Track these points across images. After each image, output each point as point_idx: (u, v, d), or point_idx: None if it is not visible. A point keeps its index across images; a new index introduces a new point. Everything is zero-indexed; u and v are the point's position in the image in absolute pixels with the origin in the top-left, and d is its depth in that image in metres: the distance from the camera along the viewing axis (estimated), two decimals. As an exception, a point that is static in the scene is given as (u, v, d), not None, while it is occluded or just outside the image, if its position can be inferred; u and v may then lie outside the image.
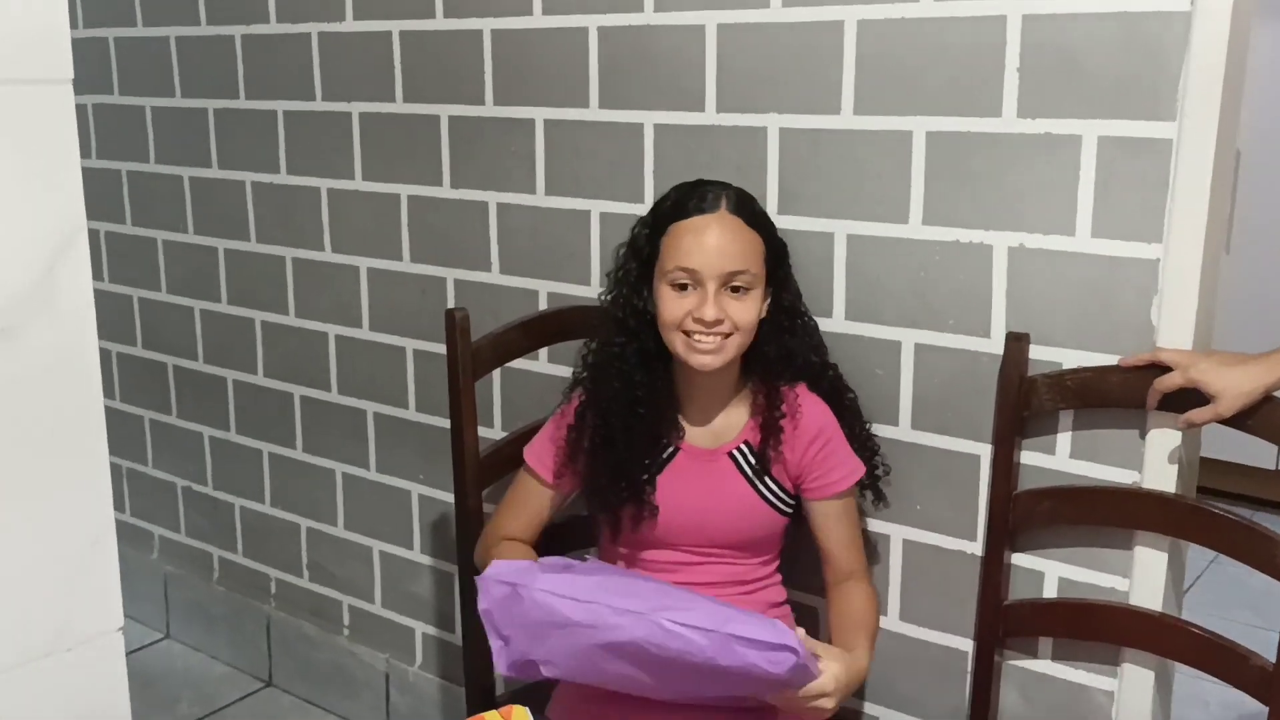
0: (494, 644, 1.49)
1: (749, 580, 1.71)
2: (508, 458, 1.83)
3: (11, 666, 1.36)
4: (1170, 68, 1.47)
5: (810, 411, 1.66)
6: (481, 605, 1.48)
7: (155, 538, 2.97)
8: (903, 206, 1.70)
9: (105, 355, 2.94)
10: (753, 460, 1.66)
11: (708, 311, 1.54)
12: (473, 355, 1.74)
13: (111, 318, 2.90)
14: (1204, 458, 1.74)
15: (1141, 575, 1.61)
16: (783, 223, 1.75)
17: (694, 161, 1.86)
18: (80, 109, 2.78)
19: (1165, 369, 1.49)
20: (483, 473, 1.79)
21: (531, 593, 1.42)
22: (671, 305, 1.57)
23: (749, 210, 1.60)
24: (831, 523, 1.67)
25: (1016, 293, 1.63)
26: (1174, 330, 1.53)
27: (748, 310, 1.58)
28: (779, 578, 1.76)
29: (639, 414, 1.63)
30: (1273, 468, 1.56)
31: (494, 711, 1.14)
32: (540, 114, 2.03)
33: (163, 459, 2.89)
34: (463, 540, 1.80)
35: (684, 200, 1.59)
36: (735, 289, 1.56)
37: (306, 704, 2.68)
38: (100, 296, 2.95)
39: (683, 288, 1.56)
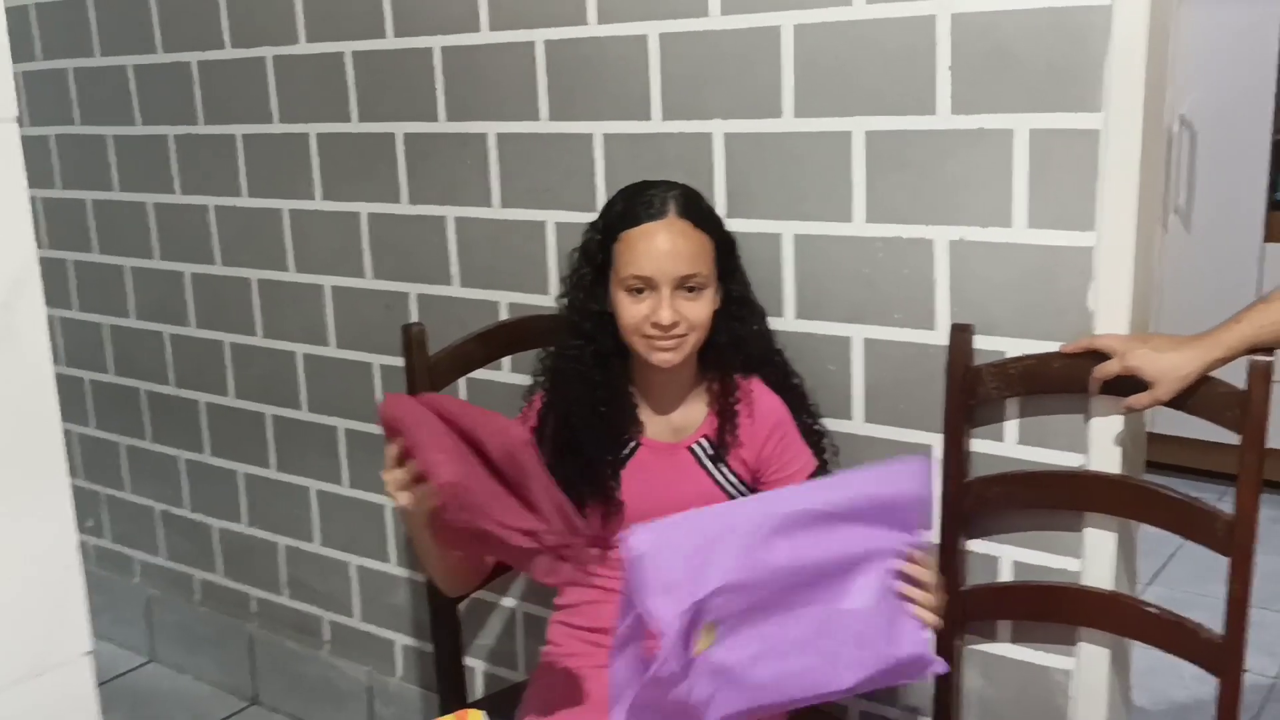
0: (657, 603, 1.28)
1: None
2: (472, 468, 1.86)
3: (-16, 694, 1.38)
4: (1094, 59, 1.51)
5: (766, 405, 1.70)
6: (636, 551, 1.30)
7: (136, 562, 2.99)
8: (846, 205, 1.73)
9: (78, 383, 2.96)
10: (711, 453, 1.69)
11: (664, 315, 1.58)
12: (431, 368, 1.77)
13: (82, 345, 2.92)
14: (1158, 434, 1.78)
15: (1092, 555, 1.65)
16: (732, 225, 1.78)
17: (643, 169, 1.88)
18: (43, 140, 2.82)
19: (1104, 355, 1.53)
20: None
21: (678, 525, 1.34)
22: (629, 311, 1.60)
23: (696, 211, 1.63)
24: None
25: (959, 285, 1.67)
26: (1111, 315, 1.57)
27: (702, 309, 1.62)
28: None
29: (600, 412, 1.66)
30: (1221, 441, 1.60)
31: (450, 715, 1.17)
32: (493, 128, 2.06)
33: (140, 483, 2.91)
34: (430, 551, 1.82)
35: (633, 206, 1.62)
36: (689, 289, 1.60)
37: (292, 720, 2.70)
38: (70, 325, 2.98)
39: (638, 292, 1.60)
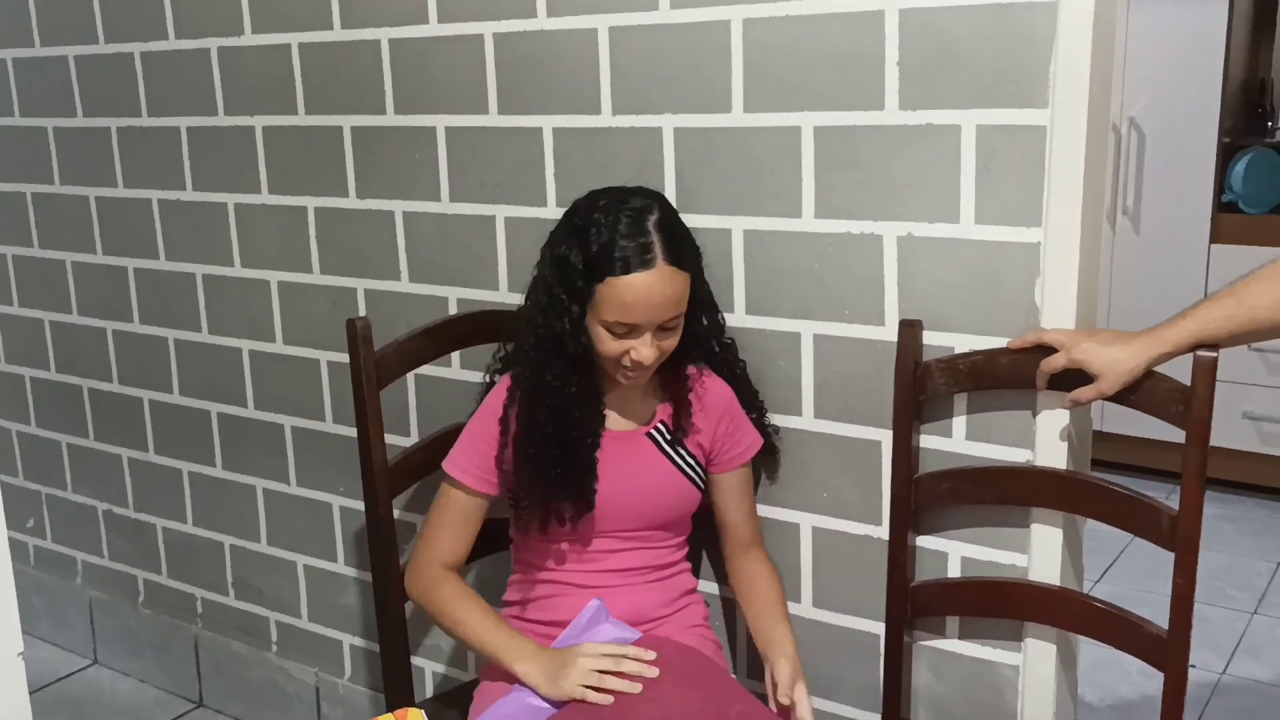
0: None
1: (666, 565, 1.75)
2: (419, 465, 1.84)
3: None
4: (1040, 56, 1.51)
5: (716, 390, 1.73)
6: None
7: (78, 563, 2.93)
8: (796, 200, 1.73)
9: (19, 380, 2.90)
10: (669, 436, 1.71)
11: (646, 356, 1.59)
12: (377, 364, 1.74)
13: (23, 342, 2.86)
14: (1104, 432, 1.79)
15: (1039, 551, 1.65)
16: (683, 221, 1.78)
17: (593, 164, 1.87)
18: (-18, 131, 2.75)
19: (1051, 349, 1.54)
20: (394, 481, 1.80)
21: None
22: (608, 345, 1.60)
23: (679, 250, 1.60)
24: (735, 494, 1.75)
25: (907, 280, 1.67)
26: (1057, 310, 1.57)
27: (676, 338, 1.64)
28: (689, 565, 1.79)
29: (575, 414, 1.65)
30: (1166, 439, 1.61)
31: (389, 715, 1.14)
32: (441, 121, 2.04)
33: (82, 483, 2.86)
34: (376, 549, 1.80)
35: (621, 249, 1.55)
36: (667, 327, 1.61)
37: (238, 723, 2.66)
38: (11, 321, 2.92)
39: (619, 333, 1.59)
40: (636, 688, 1.54)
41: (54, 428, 2.87)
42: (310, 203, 2.25)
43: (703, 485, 1.74)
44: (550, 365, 1.62)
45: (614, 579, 1.70)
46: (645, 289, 1.55)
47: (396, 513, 2.19)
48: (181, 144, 2.40)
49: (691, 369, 1.71)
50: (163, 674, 2.79)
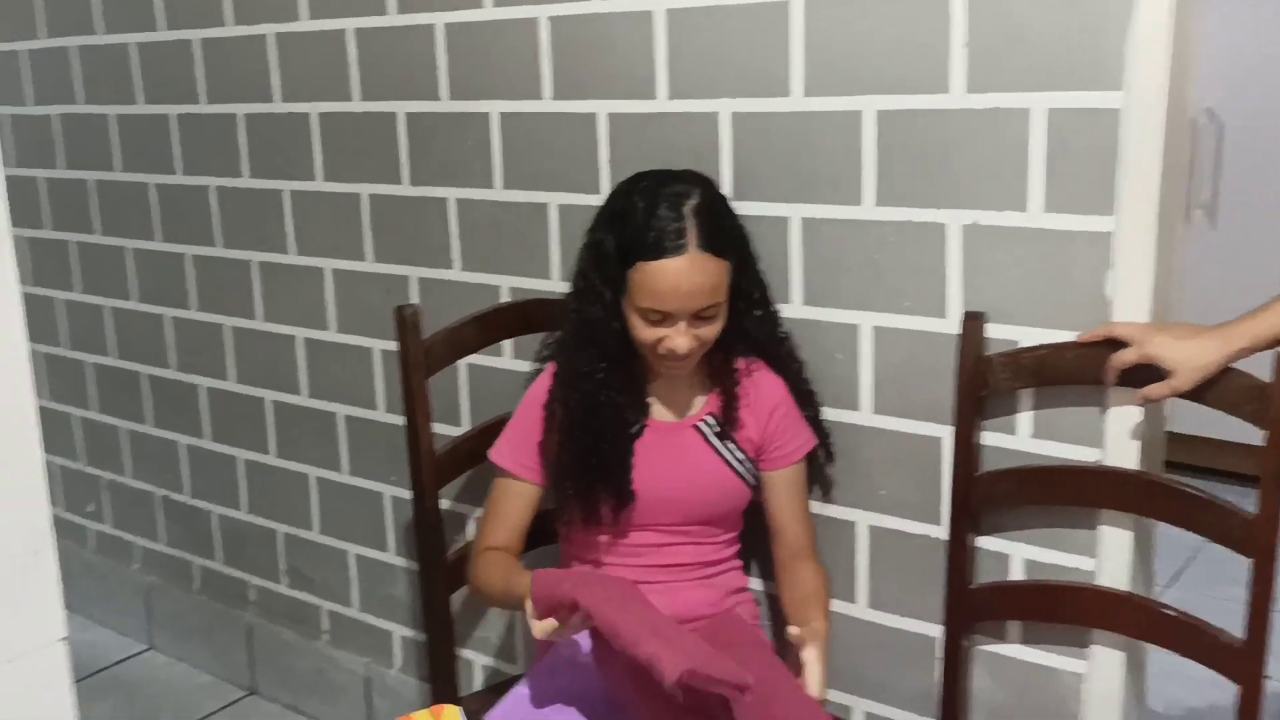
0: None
1: (714, 562, 1.71)
2: (467, 454, 1.81)
3: (-51, 680, 1.34)
4: (1114, 36, 1.44)
5: (768, 384, 1.68)
6: None
7: (136, 548, 2.96)
8: (855, 188, 1.67)
9: (79, 366, 2.93)
10: (717, 429, 1.67)
11: (680, 345, 1.55)
12: (426, 352, 1.72)
13: (84, 328, 2.88)
14: (1177, 433, 1.71)
15: (1106, 555, 1.58)
16: (739, 208, 1.73)
17: (648, 150, 1.83)
18: (45, 119, 2.78)
19: (1121, 344, 1.47)
20: (442, 470, 1.77)
21: None
22: (644, 332, 1.57)
23: (717, 236, 1.55)
24: (786, 492, 1.69)
25: (971, 271, 1.60)
26: (1130, 303, 1.50)
27: (715, 328, 1.59)
28: (740, 564, 1.75)
29: (613, 403, 1.62)
30: (1243, 441, 1.54)
31: (425, 710, 1.12)
32: (495, 107, 2.01)
33: (141, 469, 2.88)
34: (422, 539, 1.77)
35: (653, 232, 1.52)
36: (705, 317, 1.57)
37: (289, 711, 2.66)
38: (73, 307, 2.95)
39: (654, 320, 1.56)
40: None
41: (113, 413, 2.90)
42: (364, 189, 2.23)
43: (754, 482, 1.69)
44: (585, 353, 1.59)
45: (659, 574, 1.66)
46: (675, 275, 1.51)
47: (446, 503, 2.18)
48: (238, 130, 2.40)
49: (741, 362, 1.66)
50: (216, 660, 2.80)
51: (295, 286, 2.40)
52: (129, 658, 2.94)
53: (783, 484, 1.69)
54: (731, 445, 1.67)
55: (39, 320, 2.99)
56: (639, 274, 1.52)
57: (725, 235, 1.57)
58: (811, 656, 1.47)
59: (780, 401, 1.68)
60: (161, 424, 2.78)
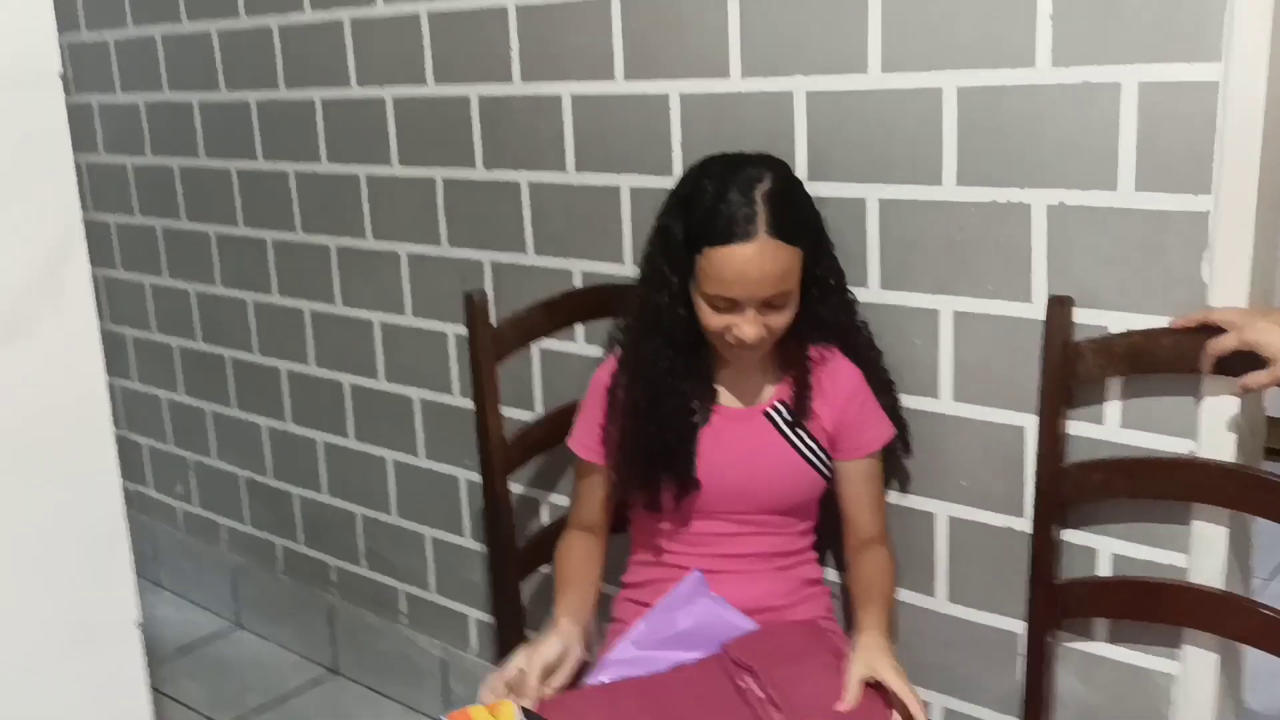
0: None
1: (787, 553, 1.67)
2: (536, 441, 1.80)
3: (28, 664, 1.37)
4: (1212, 2, 1.36)
5: (844, 371, 1.64)
6: None
7: (222, 529, 3.01)
8: (936, 167, 1.61)
9: (167, 349, 2.99)
10: (788, 417, 1.63)
11: (748, 333, 1.51)
12: (494, 338, 1.70)
13: (172, 312, 2.94)
14: (1278, 418, 1.63)
15: (1200, 551, 1.50)
16: (813, 190, 1.68)
17: (721, 131, 1.79)
18: (132, 107, 2.83)
19: (1219, 330, 1.39)
20: (511, 457, 1.76)
21: None
22: (711, 319, 1.53)
23: (788, 223, 1.50)
24: (860, 484, 1.65)
25: (1058, 253, 1.53)
26: (1228, 287, 1.42)
27: (786, 317, 1.55)
28: (815, 555, 1.70)
29: (676, 390, 1.59)
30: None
31: (481, 706, 1.10)
32: (567, 89, 1.98)
33: (226, 451, 2.93)
34: (492, 525, 1.76)
35: (722, 217, 1.48)
36: (774, 305, 1.52)
37: (371, 692, 2.68)
38: (159, 292, 3.00)
39: (721, 307, 1.52)
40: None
41: (200, 395, 2.95)
42: (439, 174, 2.22)
43: (828, 472, 1.65)
44: (651, 340, 1.56)
45: (730, 564, 1.63)
46: (743, 262, 1.46)
47: (520, 487, 2.18)
48: (316, 116, 2.41)
49: (815, 350, 1.62)
50: (300, 640, 2.84)
51: (372, 271, 2.40)
52: (218, 635, 3.01)
53: (857, 475, 1.64)
54: (803, 433, 1.62)
55: (129, 304, 3.05)
56: (706, 260, 1.48)
57: (798, 221, 1.52)
58: (853, 678, 1.46)
59: (856, 390, 1.63)
60: (244, 407, 2.82)
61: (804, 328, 1.58)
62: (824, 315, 1.60)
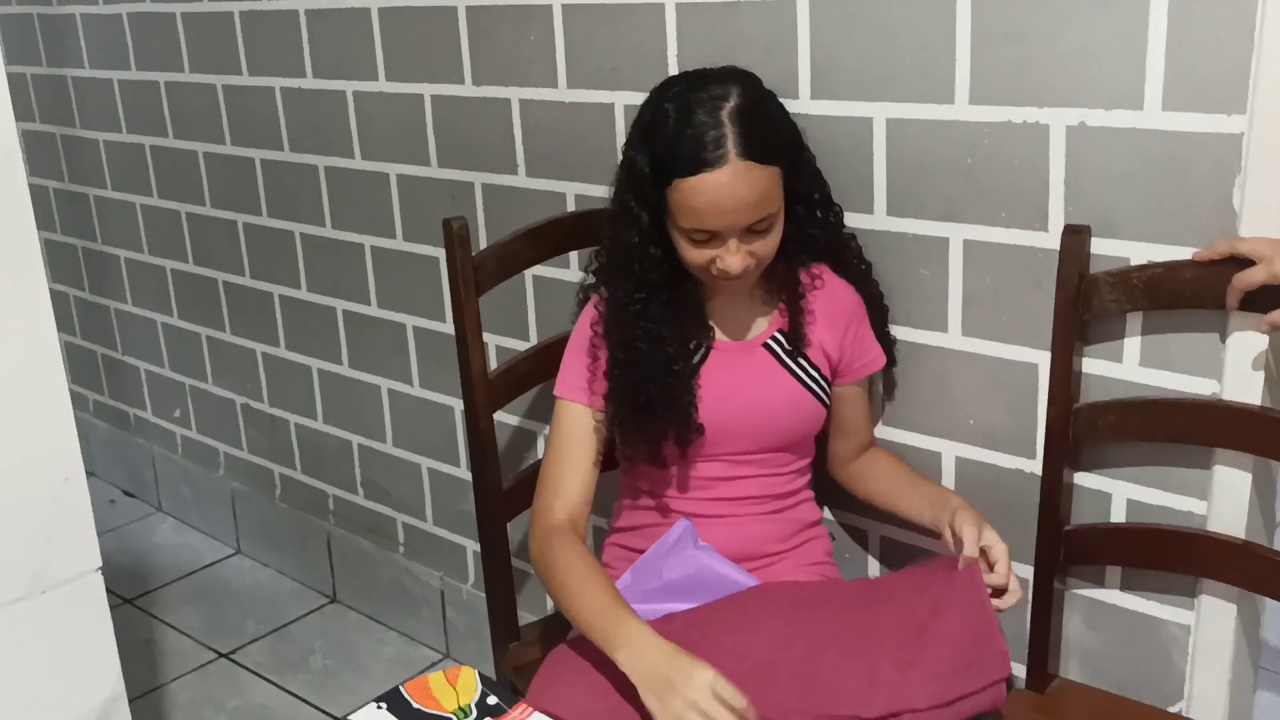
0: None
1: (784, 494, 1.58)
2: (523, 376, 1.71)
3: (-13, 611, 1.32)
4: (1255, -100, 1.23)
5: (839, 293, 1.55)
6: None
7: (221, 455, 2.97)
8: (947, 83, 1.49)
9: (161, 271, 2.91)
10: (789, 347, 1.53)
11: (732, 265, 1.39)
12: (476, 268, 1.61)
13: (163, 233, 2.86)
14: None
15: (1221, 498, 1.42)
16: (816, 108, 1.57)
17: (719, 43, 1.67)
18: (116, 18, 2.72)
19: (1247, 262, 1.28)
20: (495, 392, 1.68)
21: None
22: (692, 254, 1.41)
23: (760, 141, 1.36)
24: (860, 402, 1.62)
25: (1076, 178, 1.42)
26: (1259, 216, 1.31)
27: (771, 241, 1.42)
28: (812, 495, 1.62)
29: (657, 336, 1.48)
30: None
31: (439, 674, 1.04)
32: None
33: (221, 376, 2.87)
34: (478, 463, 1.69)
35: (686, 145, 1.35)
36: (758, 231, 1.40)
37: (369, 620, 2.66)
38: (149, 212, 2.91)
39: (701, 241, 1.40)
40: None
41: (194, 320, 2.88)
42: (426, 90, 2.11)
43: (828, 401, 1.56)
44: (625, 283, 1.45)
45: (727, 508, 1.54)
46: (716, 190, 1.34)
47: (514, 419, 2.11)
48: (301, 27, 2.29)
49: (805, 274, 1.52)
50: (299, 567, 2.81)
51: (361, 193, 2.31)
52: (218, 561, 2.98)
53: (855, 395, 1.60)
54: (804, 361, 1.53)
55: (121, 224, 2.97)
56: (677, 192, 1.36)
57: (771, 138, 1.38)
58: (993, 540, 1.37)
59: (854, 314, 1.55)
60: (238, 332, 2.75)
61: (792, 248, 1.47)
62: (811, 233, 1.49)
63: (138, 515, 3.22)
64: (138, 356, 3.12)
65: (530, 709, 1.01)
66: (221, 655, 2.58)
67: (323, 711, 2.38)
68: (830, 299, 1.53)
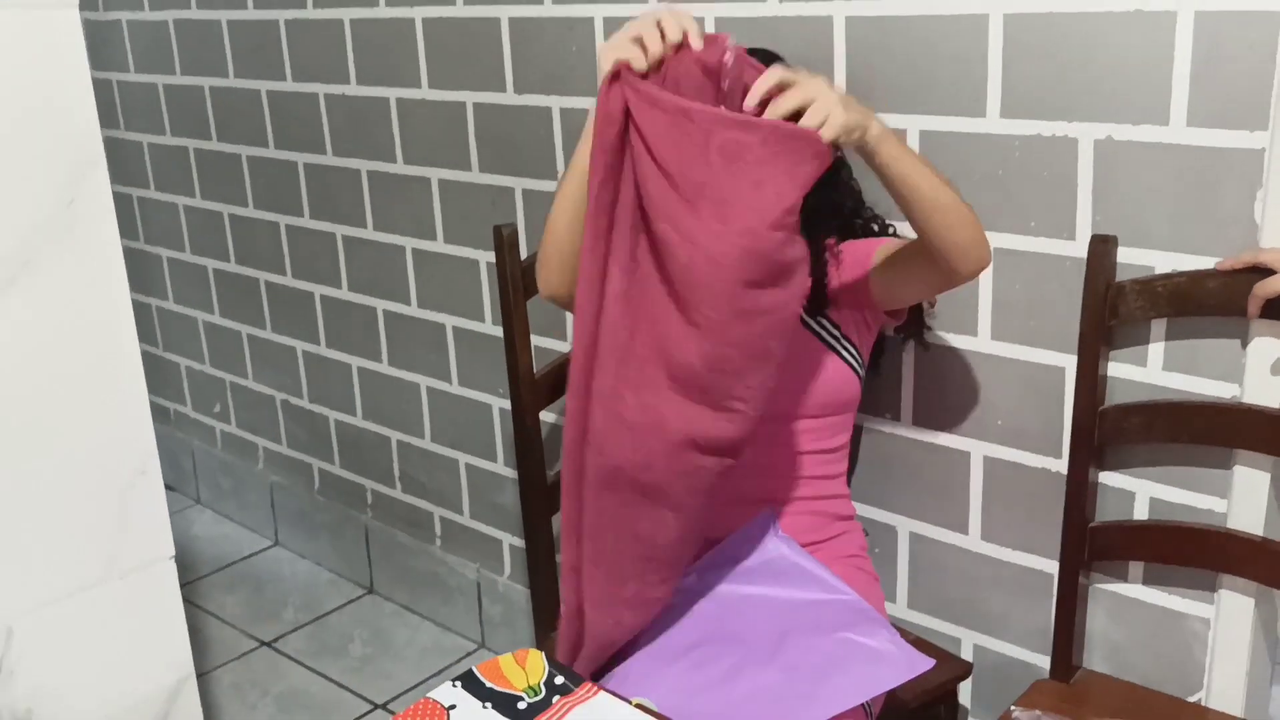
0: None
1: (817, 478, 1.61)
2: (564, 376, 1.77)
3: (65, 597, 1.39)
4: (1279, -73, 1.29)
5: (846, 250, 1.57)
6: None
7: (260, 449, 3.04)
8: (979, 98, 1.55)
9: (203, 271, 2.99)
10: (809, 307, 1.54)
11: None
12: (525, 271, 1.68)
13: (206, 234, 2.93)
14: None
15: (1241, 497, 1.48)
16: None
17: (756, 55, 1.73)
18: (162, 25, 2.79)
19: (1268, 272, 1.34)
20: (541, 391, 1.75)
21: None
22: None
23: None
24: (891, 252, 1.51)
25: (1104, 190, 1.48)
26: (1281, 228, 1.37)
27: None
28: (847, 492, 1.68)
29: None
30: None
31: (508, 655, 1.10)
32: (599, 11, 1.93)
33: (261, 373, 2.94)
34: (523, 460, 1.76)
35: None
36: None
37: (406, 610, 2.73)
38: (194, 213, 2.98)
39: None
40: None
41: (235, 318, 2.96)
42: (469, 97, 2.18)
43: (859, 367, 1.59)
44: None
45: (765, 489, 1.60)
46: None
47: (553, 417, 2.17)
48: (345, 36, 2.36)
49: (830, 242, 1.56)
50: (337, 559, 2.89)
51: (403, 196, 2.38)
52: (257, 553, 3.06)
53: (883, 254, 1.51)
54: (825, 321, 1.57)
55: (163, 225, 3.05)
56: None
57: None
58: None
59: (857, 252, 1.54)
60: (279, 330, 2.83)
61: (811, 224, 1.42)
62: (821, 204, 1.45)
63: (177, 508, 3.30)
64: (178, 353, 3.20)
65: (596, 687, 1.08)
66: (263, 643, 2.66)
67: (362, 697, 2.45)
68: (839, 261, 1.56)
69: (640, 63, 1.24)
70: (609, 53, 1.24)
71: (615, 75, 1.22)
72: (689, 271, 1.22)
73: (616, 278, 1.27)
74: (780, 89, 1.22)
